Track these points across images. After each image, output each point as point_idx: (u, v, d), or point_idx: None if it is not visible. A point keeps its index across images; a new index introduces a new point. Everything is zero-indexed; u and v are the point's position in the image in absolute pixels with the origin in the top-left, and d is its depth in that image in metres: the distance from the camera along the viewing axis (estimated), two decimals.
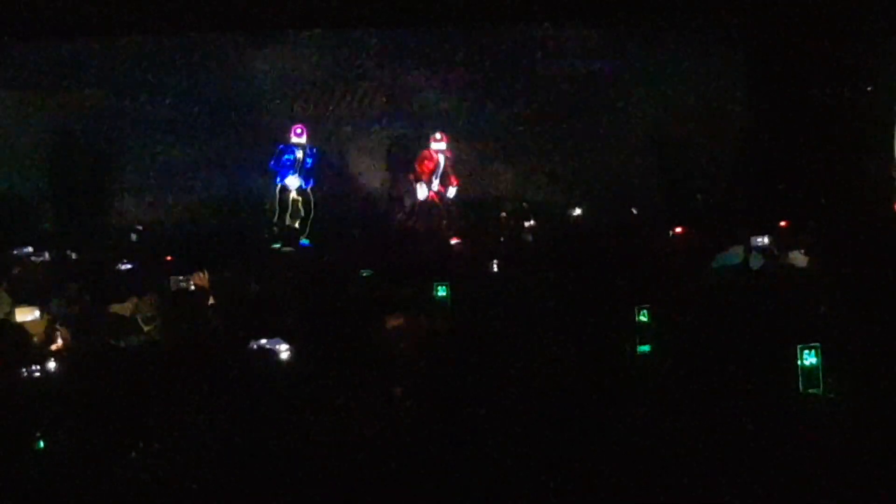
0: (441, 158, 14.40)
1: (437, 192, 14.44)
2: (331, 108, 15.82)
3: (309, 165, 14.05)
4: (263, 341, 6.10)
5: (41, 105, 15.35)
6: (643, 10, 15.38)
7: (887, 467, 4.17)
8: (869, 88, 13.92)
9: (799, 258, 8.66)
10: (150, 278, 9.26)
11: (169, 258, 11.20)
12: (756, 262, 8.51)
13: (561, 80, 16.01)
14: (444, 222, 14.24)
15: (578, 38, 16.12)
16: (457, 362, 5.48)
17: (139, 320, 7.13)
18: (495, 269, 9.47)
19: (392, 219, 15.06)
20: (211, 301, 7.84)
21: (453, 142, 14.85)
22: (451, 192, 14.47)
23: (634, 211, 14.62)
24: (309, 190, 14.07)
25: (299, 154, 13.99)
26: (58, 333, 6.97)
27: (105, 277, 9.88)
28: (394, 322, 6.42)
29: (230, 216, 15.16)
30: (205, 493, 4.19)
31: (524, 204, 15.34)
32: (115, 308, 7.51)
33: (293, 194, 13.97)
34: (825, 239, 9.56)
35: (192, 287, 8.19)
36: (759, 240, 9.19)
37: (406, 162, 15.03)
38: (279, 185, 14.01)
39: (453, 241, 12.59)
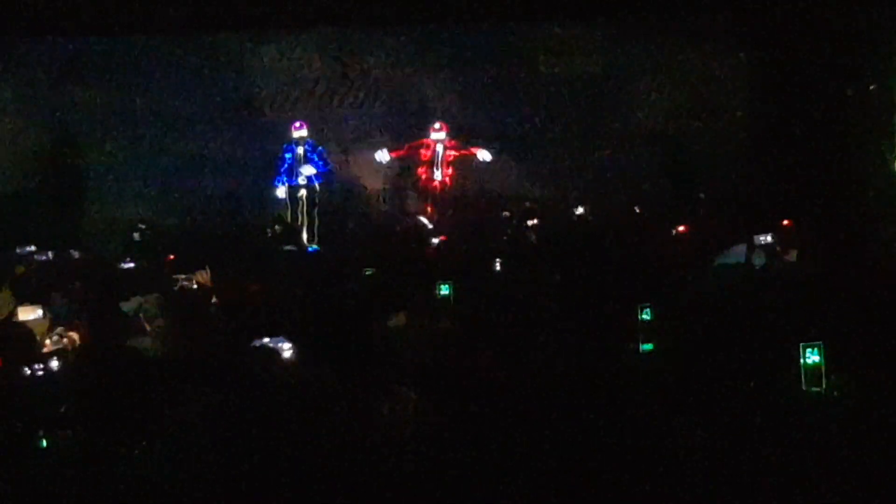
0: (439, 148, 14.35)
1: (440, 183, 14.39)
2: (333, 106, 15.82)
3: (311, 158, 14.04)
4: (266, 340, 6.10)
5: (43, 103, 15.36)
6: (645, 10, 15.39)
7: (891, 466, 4.17)
8: (872, 87, 13.92)
9: (799, 256, 8.67)
10: (152, 277, 9.27)
11: (171, 256, 11.20)
12: (759, 261, 8.51)
13: (564, 78, 16.01)
14: (449, 212, 14.20)
15: (580, 37, 16.11)
16: (460, 360, 5.48)
17: (142, 319, 7.13)
18: (498, 268, 9.47)
19: (394, 217, 15.07)
20: (214, 300, 7.84)
21: (457, 140, 14.86)
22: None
23: (637, 209, 14.62)
24: (317, 186, 14.06)
25: (300, 150, 14.00)
26: (60, 334, 6.97)
27: (108, 276, 9.88)
28: (397, 321, 6.42)
29: (233, 214, 15.17)
30: (206, 492, 4.20)
31: (527, 203, 15.33)
32: (118, 307, 7.51)
33: (302, 191, 13.97)
34: (827, 237, 9.56)
35: (195, 286, 8.20)
36: (763, 238, 9.18)
37: (407, 159, 15.05)
38: (289, 185, 14.03)
39: (455, 239, 12.58)
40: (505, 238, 13.00)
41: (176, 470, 4.32)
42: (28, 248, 12.06)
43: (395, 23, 15.59)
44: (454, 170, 14.44)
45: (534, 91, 16.00)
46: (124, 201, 15.50)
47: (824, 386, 5.12)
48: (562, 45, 16.08)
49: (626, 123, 15.96)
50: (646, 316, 6.27)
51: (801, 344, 5.15)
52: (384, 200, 15.69)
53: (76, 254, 12.24)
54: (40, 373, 5.93)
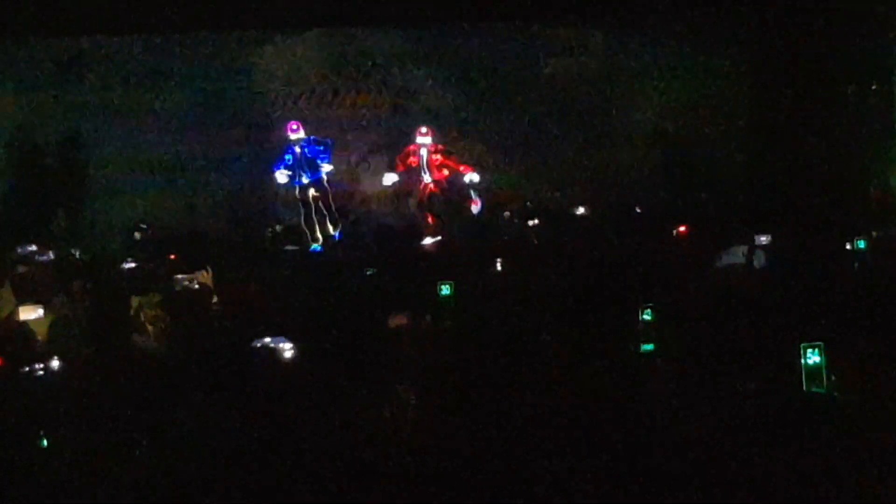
0: (423, 153, 14.27)
1: (437, 183, 14.34)
2: (333, 106, 15.82)
3: (310, 157, 14.01)
4: (267, 340, 6.10)
5: (43, 103, 15.36)
6: (646, 10, 15.39)
7: (891, 466, 4.17)
8: (874, 87, 13.92)
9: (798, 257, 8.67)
10: (154, 277, 9.27)
11: (173, 256, 11.20)
12: (759, 261, 8.51)
13: (564, 78, 16.00)
14: (446, 214, 14.17)
15: (581, 38, 16.11)
16: (461, 360, 5.48)
17: (143, 318, 7.13)
18: (499, 268, 9.47)
19: (395, 217, 15.07)
20: (215, 299, 7.85)
21: (458, 140, 14.84)
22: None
23: (638, 210, 14.61)
24: (324, 182, 14.04)
25: (297, 150, 13.98)
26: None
27: (109, 276, 9.88)
28: (398, 320, 6.42)
29: (234, 215, 15.16)
30: (208, 490, 4.20)
31: (528, 203, 15.33)
32: (119, 306, 7.51)
33: (312, 191, 13.93)
34: (825, 238, 9.56)
35: (196, 286, 8.20)
36: (763, 238, 9.19)
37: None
38: (297, 186, 14.00)
39: (456, 240, 12.58)
40: (506, 238, 12.99)
41: (176, 467, 4.32)
42: (28, 248, 12.06)
43: (394, 23, 15.59)
44: (447, 171, 14.37)
45: (534, 91, 15.99)
46: (125, 201, 15.49)
47: (825, 386, 5.12)
48: (562, 45, 16.08)
49: (626, 123, 15.95)
50: (647, 316, 6.27)
51: (801, 344, 5.15)
52: (385, 203, 15.67)
53: (77, 254, 12.24)
54: (40, 373, 5.92)
